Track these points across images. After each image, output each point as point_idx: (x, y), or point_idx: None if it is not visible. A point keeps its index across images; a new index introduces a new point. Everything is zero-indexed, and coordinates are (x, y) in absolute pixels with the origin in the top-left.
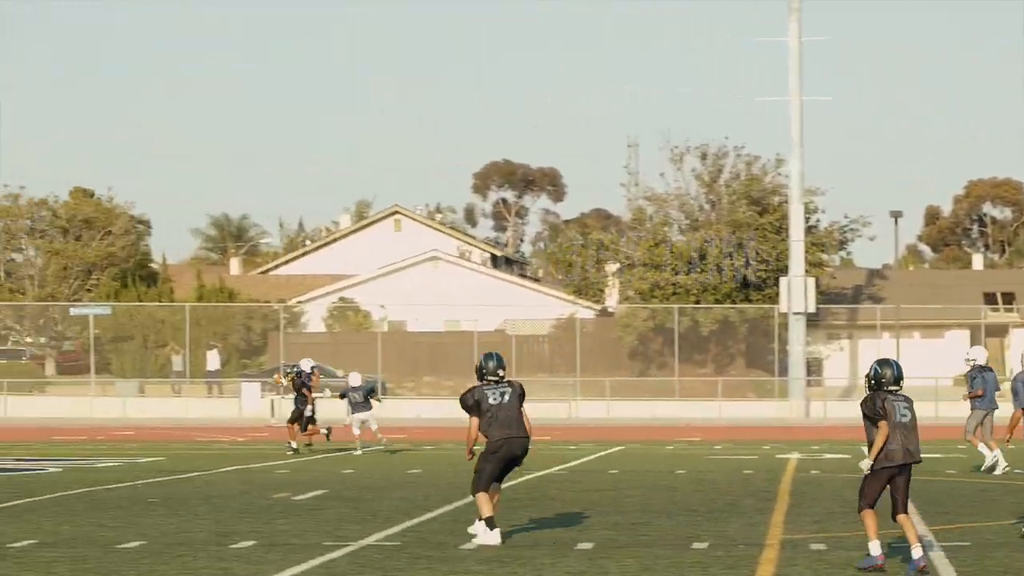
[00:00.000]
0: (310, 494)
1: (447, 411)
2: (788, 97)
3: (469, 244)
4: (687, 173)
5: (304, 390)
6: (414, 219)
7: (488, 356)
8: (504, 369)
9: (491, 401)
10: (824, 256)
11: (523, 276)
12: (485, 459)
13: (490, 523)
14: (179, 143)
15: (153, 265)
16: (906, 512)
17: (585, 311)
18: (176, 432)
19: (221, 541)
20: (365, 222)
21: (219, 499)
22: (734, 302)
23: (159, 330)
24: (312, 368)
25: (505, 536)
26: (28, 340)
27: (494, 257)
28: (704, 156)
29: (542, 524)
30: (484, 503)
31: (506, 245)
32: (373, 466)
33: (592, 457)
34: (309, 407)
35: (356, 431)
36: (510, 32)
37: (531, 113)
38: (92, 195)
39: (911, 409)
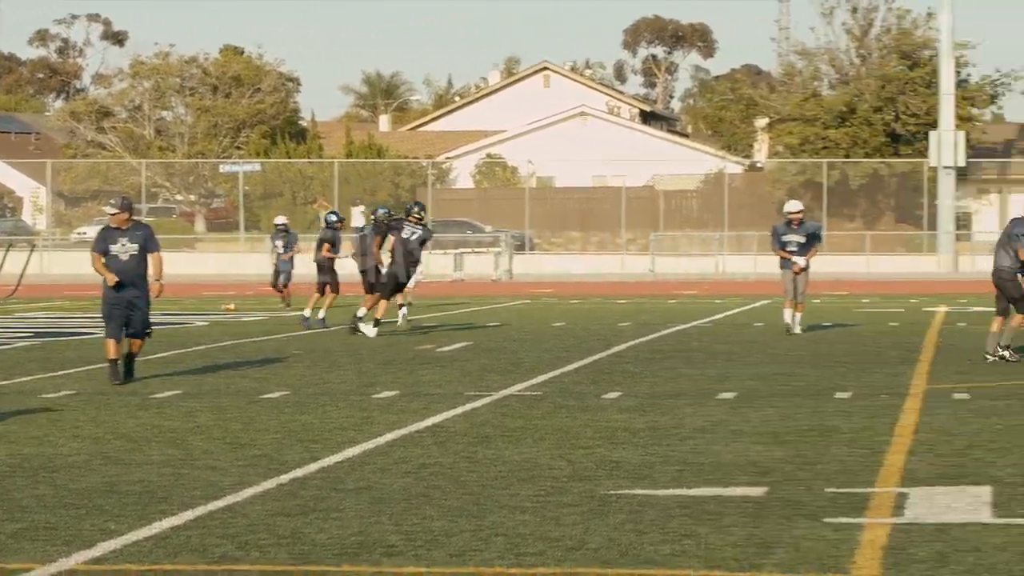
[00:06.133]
0: (454, 346)
1: (594, 266)
2: None
3: (618, 100)
4: (837, 27)
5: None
6: (563, 75)
7: (415, 203)
8: (424, 212)
9: (403, 235)
10: (975, 110)
11: (672, 132)
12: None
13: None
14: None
15: (302, 122)
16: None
17: (734, 166)
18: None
19: (364, 391)
20: (514, 78)
21: (363, 351)
22: (883, 156)
23: (308, 186)
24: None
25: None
26: (178, 197)
27: (643, 113)
28: (855, 10)
29: (685, 375)
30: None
31: (655, 101)
32: (518, 320)
33: (738, 310)
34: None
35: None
36: None
37: None
38: (242, 52)
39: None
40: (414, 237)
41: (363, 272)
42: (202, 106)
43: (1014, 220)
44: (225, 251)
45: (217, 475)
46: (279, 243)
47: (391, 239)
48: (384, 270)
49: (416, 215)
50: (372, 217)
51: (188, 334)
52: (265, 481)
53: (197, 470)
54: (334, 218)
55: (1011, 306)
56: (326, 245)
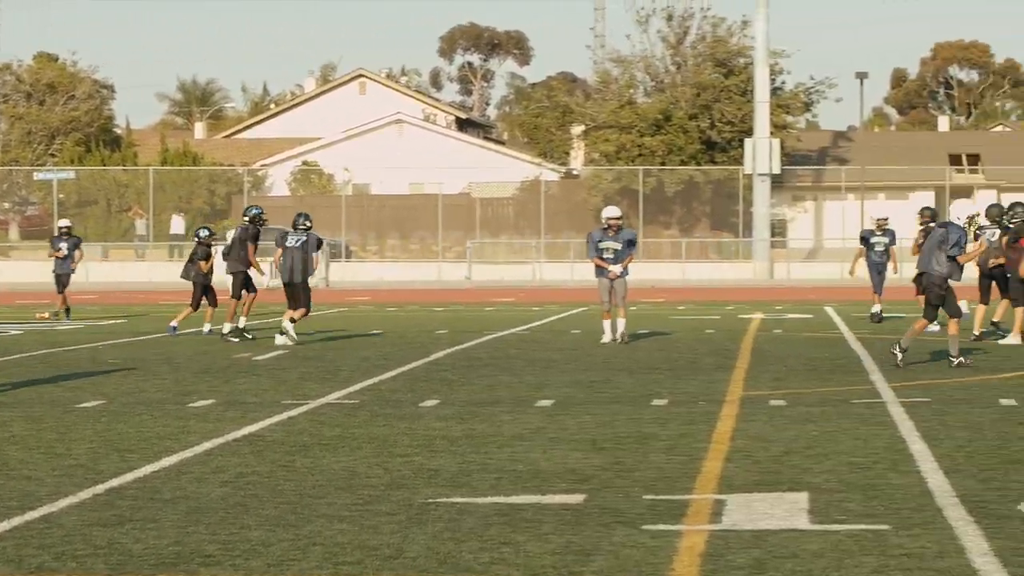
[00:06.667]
0: (271, 354)
1: (411, 273)
2: None
3: (434, 107)
4: (653, 35)
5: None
6: (379, 82)
7: (299, 214)
8: (310, 222)
9: (287, 243)
10: (789, 118)
11: (488, 139)
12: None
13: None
14: (145, 7)
15: (117, 130)
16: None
17: (550, 173)
18: (139, 296)
19: (180, 400)
20: (329, 85)
21: (180, 360)
22: (699, 164)
23: (123, 194)
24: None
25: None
26: None
27: (459, 120)
28: (670, 18)
29: (503, 382)
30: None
31: (471, 109)
32: (335, 327)
33: (555, 318)
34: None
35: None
36: None
37: None
38: (56, 59)
39: None
40: (299, 243)
41: (234, 275)
42: (15, 113)
43: (950, 225)
44: (39, 259)
45: (33, 485)
46: (63, 246)
47: (279, 250)
48: (261, 278)
49: (302, 225)
50: (245, 217)
51: (1, 343)
52: (81, 491)
53: (12, 480)
54: (206, 232)
55: (940, 311)
56: (201, 262)
